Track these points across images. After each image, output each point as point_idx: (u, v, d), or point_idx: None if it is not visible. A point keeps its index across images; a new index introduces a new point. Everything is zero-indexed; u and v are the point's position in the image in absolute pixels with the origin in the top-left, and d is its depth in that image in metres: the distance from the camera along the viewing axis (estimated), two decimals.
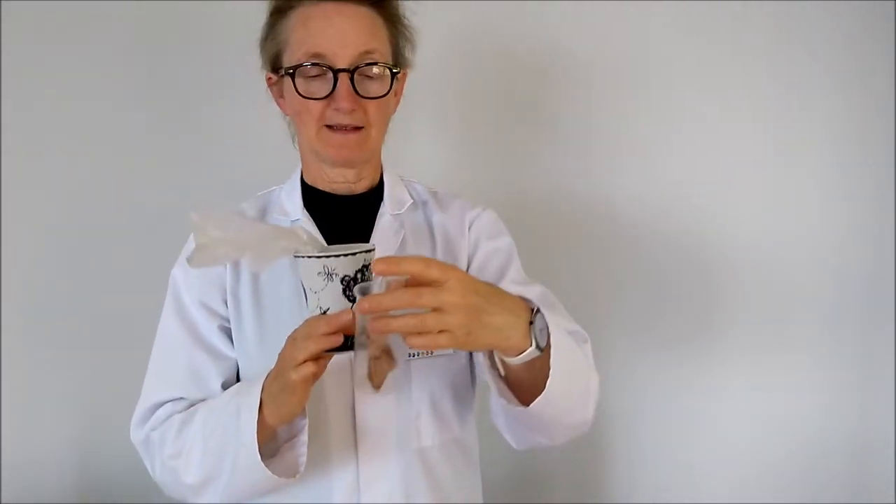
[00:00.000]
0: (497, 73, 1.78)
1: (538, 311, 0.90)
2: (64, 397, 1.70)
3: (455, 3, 1.71)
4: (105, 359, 1.70)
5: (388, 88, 1.08)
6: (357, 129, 1.08)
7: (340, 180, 1.16)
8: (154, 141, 1.72)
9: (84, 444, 1.71)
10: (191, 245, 1.11)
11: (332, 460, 1.07)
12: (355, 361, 0.89)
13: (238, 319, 1.12)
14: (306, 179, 1.19)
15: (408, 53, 1.17)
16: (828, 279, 1.81)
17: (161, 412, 1.11)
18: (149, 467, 1.13)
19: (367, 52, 1.06)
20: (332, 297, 0.88)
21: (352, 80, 1.05)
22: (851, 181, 1.79)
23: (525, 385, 0.95)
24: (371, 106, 1.08)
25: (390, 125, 1.18)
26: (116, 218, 1.71)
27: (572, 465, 1.82)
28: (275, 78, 1.14)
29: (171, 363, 1.13)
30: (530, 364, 0.91)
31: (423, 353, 1.09)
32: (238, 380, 1.13)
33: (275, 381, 0.96)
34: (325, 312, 0.89)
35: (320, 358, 0.90)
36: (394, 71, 1.09)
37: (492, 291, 0.87)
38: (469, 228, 1.21)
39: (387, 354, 0.90)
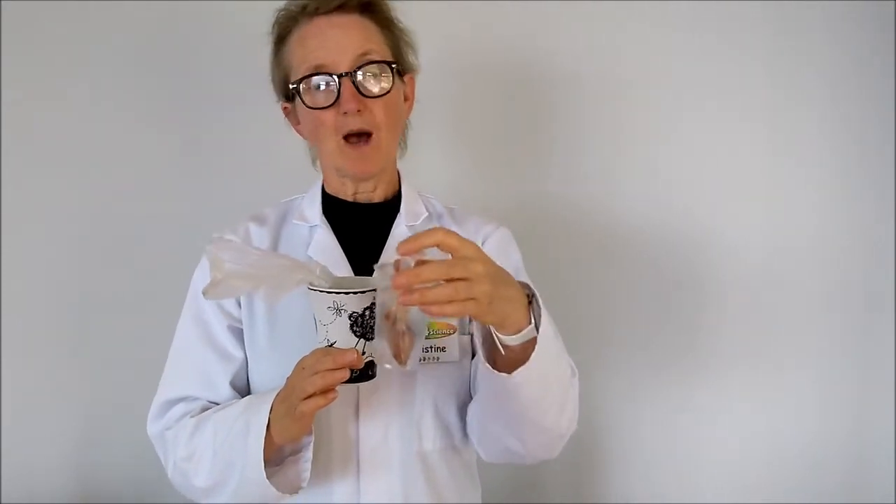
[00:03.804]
0: (496, 83, 1.77)
1: (534, 294, 0.94)
2: (64, 397, 1.70)
3: (453, 12, 1.71)
4: (105, 359, 1.70)
5: (391, 85, 1.11)
6: (368, 136, 1.11)
7: (361, 190, 1.19)
8: (157, 143, 1.71)
9: (84, 444, 1.71)
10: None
11: (334, 460, 1.10)
12: (377, 348, 0.95)
13: (251, 318, 1.16)
14: (328, 190, 1.23)
15: (410, 58, 1.20)
16: (827, 284, 1.81)
17: (175, 411, 1.16)
18: (163, 462, 1.17)
19: (364, 54, 1.09)
20: (339, 332, 0.92)
21: (354, 82, 1.08)
22: (851, 187, 1.79)
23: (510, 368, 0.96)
24: (377, 106, 1.10)
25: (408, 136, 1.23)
26: (117, 219, 1.70)
27: (569, 473, 1.83)
28: (289, 107, 1.18)
29: (184, 363, 1.18)
30: (521, 350, 0.93)
31: (431, 358, 1.12)
32: (247, 378, 1.17)
33: (282, 405, 1.00)
34: (332, 345, 0.93)
35: (328, 391, 0.93)
36: (393, 66, 1.12)
37: (501, 267, 0.91)
38: (483, 244, 1.22)
39: (409, 332, 0.95)
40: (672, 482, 1.85)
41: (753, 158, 1.79)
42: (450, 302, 0.84)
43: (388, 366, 0.96)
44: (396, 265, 0.89)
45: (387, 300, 0.92)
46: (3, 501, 1.66)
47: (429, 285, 0.83)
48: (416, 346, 0.95)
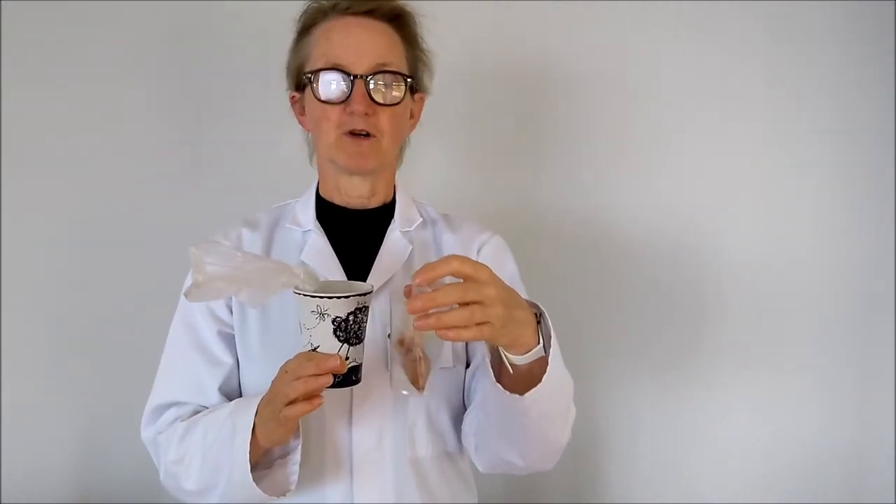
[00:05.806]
0: (494, 86, 1.77)
1: (542, 314, 0.95)
2: (64, 398, 1.70)
3: (451, 13, 1.67)
4: (105, 360, 1.70)
5: (402, 97, 1.13)
6: (370, 136, 1.12)
7: (355, 194, 1.19)
8: (158, 144, 1.71)
9: (84, 445, 1.72)
10: None
11: (327, 463, 1.11)
12: (392, 371, 0.96)
13: (243, 323, 1.16)
14: (322, 193, 1.23)
15: (425, 78, 1.21)
16: (827, 286, 1.80)
17: (167, 416, 1.17)
18: (157, 466, 1.18)
19: (383, 64, 1.11)
20: (322, 336, 0.92)
21: (367, 86, 1.10)
22: (851, 189, 1.79)
23: (517, 387, 0.97)
24: (384, 114, 1.12)
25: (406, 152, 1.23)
26: (117, 220, 1.70)
27: (569, 477, 1.82)
28: (297, 96, 1.20)
29: (175, 368, 1.19)
30: (527, 368, 0.94)
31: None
32: (239, 382, 1.17)
33: (266, 408, 1.00)
34: (315, 349, 0.93)
35: (312, 396, 0.94)
36: (408, 80, 1.14)
37: (512, 289, 0.91)
38: (478, 252, 1.23)
39: (424, 357, 0.96)
40: (672, 484, 1.85)
41: (753, 161, 1.79)
42: (466, 326, 0.84)
43: (404, 392, 0.98)
44: (407, 291, 0.89)
45: (401, 327, 0.93)
46: (3, 502, 1.66)
47: (444, 309, 0.84)
48: (431, 371, 0.95)
